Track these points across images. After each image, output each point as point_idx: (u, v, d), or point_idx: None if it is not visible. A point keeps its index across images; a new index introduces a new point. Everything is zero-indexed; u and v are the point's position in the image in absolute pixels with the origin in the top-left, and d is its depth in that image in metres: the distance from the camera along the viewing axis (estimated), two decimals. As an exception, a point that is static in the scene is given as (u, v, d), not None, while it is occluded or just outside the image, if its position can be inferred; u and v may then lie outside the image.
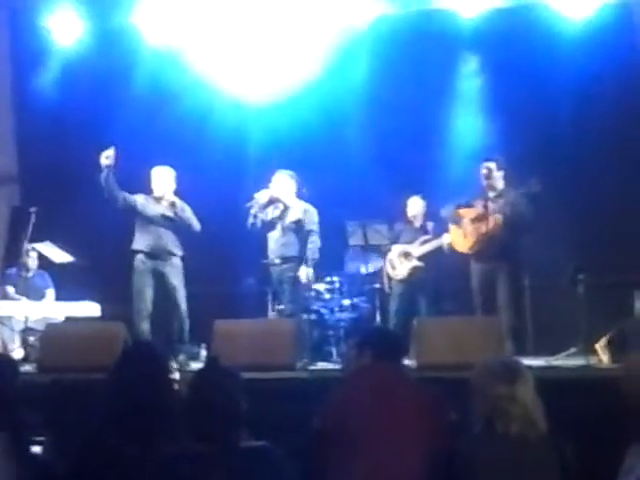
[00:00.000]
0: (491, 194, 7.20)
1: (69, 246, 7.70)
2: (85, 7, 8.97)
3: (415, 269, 7.87)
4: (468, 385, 3.05)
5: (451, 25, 8.57)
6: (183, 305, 7.29)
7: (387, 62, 8.67)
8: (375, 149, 8.54)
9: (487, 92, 8.43)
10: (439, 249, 7.73)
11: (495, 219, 7.01)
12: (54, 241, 7.64)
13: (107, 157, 7.02)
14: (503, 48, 8.47)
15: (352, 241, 7.70)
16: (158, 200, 7.40)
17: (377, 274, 8.15)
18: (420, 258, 7.85)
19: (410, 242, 7.95)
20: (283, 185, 7.58)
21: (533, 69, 8.36)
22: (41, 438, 3.46)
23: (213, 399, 2.71)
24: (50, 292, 8.41)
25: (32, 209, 7.32)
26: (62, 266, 7.94)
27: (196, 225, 7.40)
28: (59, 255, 7.74)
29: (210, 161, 8.67)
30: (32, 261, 8.20)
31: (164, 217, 7.34)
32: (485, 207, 7.06)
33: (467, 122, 8.45)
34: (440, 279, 7.85)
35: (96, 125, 8.86)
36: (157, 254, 7.29)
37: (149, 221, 7.34)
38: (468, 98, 8.50)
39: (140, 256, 7.32)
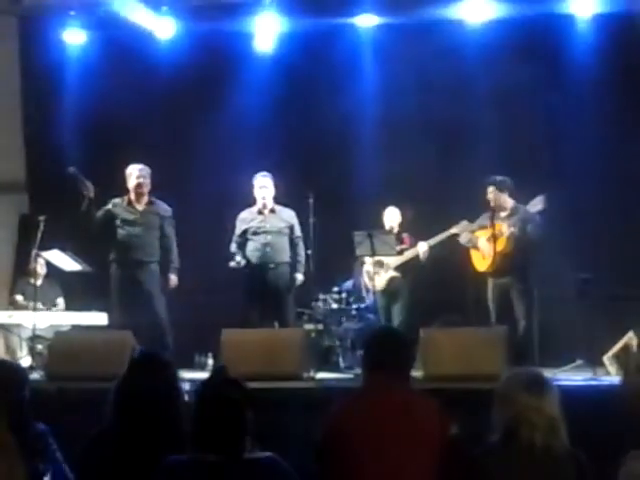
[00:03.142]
0: (502, 214, 7.35)
1: (77, 255, 7.71)
2: (91, 16, 9.02)
3: (392, 280, 7.87)
4: (492, 395, 3.04)
5: (456, 36, 8.60)
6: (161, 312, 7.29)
7: (392, 72, 8.70)
8: (382, 161, 8.53)
9: (491, 105, 8.41)
10: (416, 259, 7.72)
11: (507, 238, 7.14)
12: (62, 250, 7.66)
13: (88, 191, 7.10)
14: (508, 60, 8.44)
15: (359, 251, 7.67)
16: (131, 204, 7.43)
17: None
18: (397, 268, 7.85)
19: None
20: (271, 188, 7.61)
21: (538, 81, 8.35)
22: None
23: (217, 409, 2.71)
24: (60, 300, 8.45)
25: (41, 217, 7.34)
26: (70, 275, 7.96)
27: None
28: (67, 263, 7.77)
29: (218, 167, 8.72)
30: (40, 269, 8.23)
31: (134, 222, 7.38)
32: (495, 227, 7.18)
33: (470, 136, 8.43)
34: (418, 289, 7.86)
35: (104, 134, 8.91)
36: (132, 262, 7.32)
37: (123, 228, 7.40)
38: (472, 110, 8.46)
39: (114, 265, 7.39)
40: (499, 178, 7.37)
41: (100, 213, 7.33)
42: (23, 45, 9.35)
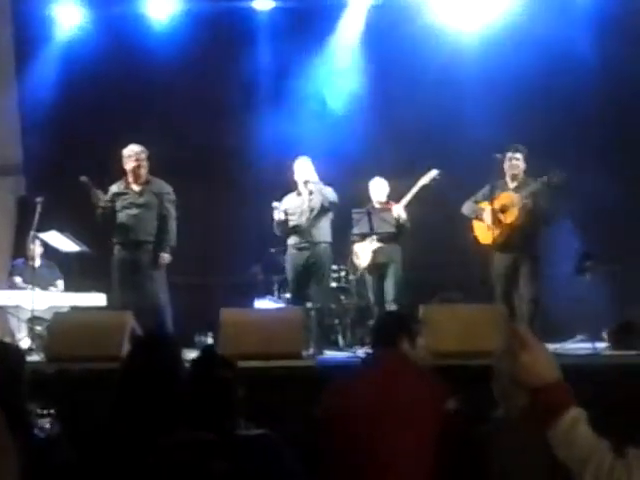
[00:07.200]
0: (512, 185, 7.12)
1: (75, 236, 7.70)
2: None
3: (378, 251, 7.61)
4: (490, 371, 2.99)
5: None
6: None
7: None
8: (384, 137, 8.52)
9: (499, 79, 8.40)
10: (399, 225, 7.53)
11: (518, 210, 6.91)
12: (60, 231, 7.64)
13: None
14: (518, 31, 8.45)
15: (358, 229, 7.62)
16: (129, 185, 7.36)
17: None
18: (381, 239, 7.60)
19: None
20: (309, 170, 7.52)
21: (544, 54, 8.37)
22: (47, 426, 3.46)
23: (208, 388, 2.70)
24: (59, 282, 8.44)
25: (38, 199, 7.32)
26: (68, 256, 7.94)
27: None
28: (65, 244, 7.76)
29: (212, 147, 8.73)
30: (37, 250, 8.22)
31: (132, 204, 7.31)
32: (501, 198, 6.99)
33: (478, 110, 8.38)
34: (417, 266, 7.79)
35: (100, 113, 8.89)
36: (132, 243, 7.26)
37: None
38: (478, 85, 8.43)
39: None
40: (521, 146, 7.13)
41: (106, 212, 7.26)
42: (17, 24, 9.30)
